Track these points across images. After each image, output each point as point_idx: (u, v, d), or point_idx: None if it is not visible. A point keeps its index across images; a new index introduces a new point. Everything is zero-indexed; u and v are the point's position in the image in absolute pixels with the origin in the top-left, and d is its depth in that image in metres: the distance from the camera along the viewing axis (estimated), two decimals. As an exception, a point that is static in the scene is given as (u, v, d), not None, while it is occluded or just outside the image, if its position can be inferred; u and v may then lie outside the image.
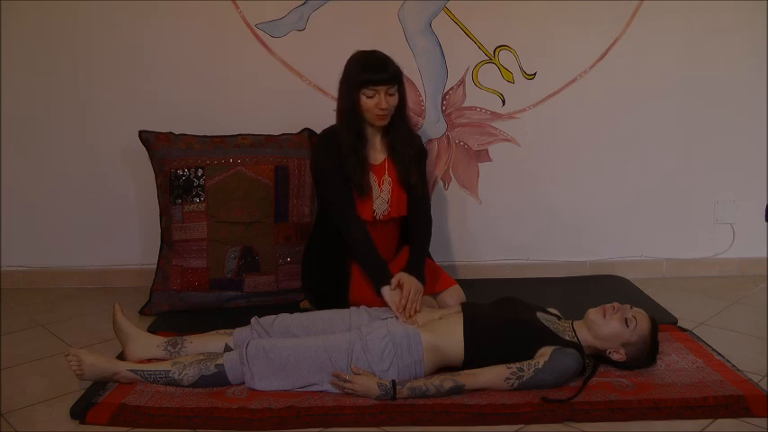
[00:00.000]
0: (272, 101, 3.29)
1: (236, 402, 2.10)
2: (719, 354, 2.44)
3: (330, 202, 2.64)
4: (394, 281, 2.46)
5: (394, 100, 2.57)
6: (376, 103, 2.53)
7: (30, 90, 3.27)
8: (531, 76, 3.33)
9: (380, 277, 2.49)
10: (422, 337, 2.21)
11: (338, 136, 2.62)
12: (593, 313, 2.29)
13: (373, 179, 2.65)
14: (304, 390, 2.18)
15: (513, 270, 3.48)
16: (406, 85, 2.73)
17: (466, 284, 2.84)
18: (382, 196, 2.66)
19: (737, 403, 2.06)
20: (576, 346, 2.24)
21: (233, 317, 2.67)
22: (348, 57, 2.62)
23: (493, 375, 2.15)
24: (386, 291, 2.45)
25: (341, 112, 2.61)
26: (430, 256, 2.81)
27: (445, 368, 2.24)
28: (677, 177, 3.43)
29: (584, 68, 3.32)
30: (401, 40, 3.23)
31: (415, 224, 2.72)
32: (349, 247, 2.60)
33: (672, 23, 3.29)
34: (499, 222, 3.45)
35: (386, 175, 2.67)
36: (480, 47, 3.29)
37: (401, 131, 2.66)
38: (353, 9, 3.22)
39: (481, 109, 3.35)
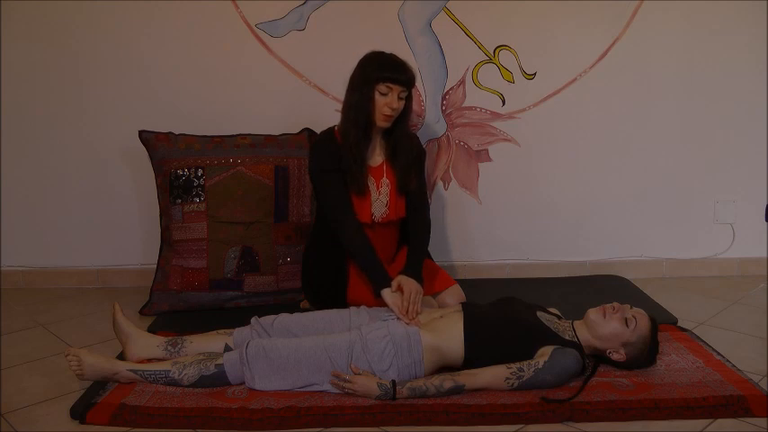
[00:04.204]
0: (272, 101, 3.29)
1: (236, 402, 2.10)
2: (719, 354, 2.44)
3: (328, 205, 2.63)
4: (394, 283, 2.46)
5: (402, 104, 2.58)
6: (387, 102, 2.53)
7: (30, 90, 3.27)
8: (531, 76, 3.33)
9: (380, 280, 2.49)
10: (422, 337, 2.21)
11: (341, 135, 2.61)
12: (593, 313, 2.29)
13: (371, 181, 2.65)
14: (304, 390, 2.18)
15: (513, 270, 3.48)
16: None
17: (466, 284, 2.84)
18: (381, 199, 2.66)
19: (737, 403, 2.07)
20: (576, 345, 2.24)
21: (233, 317, 2.67)
22: (348, 57, 2.62)
23: (493, 375, 2.15)
24: (386, 293, 2.44)
25: (349, 107, 2.59)
26: (430, 257, 2.81)
27: (445, 368, 2.24)
28: (677, 177, 3.43)
29: (584, 68, 3.32)
30: (401, 40, 3.24)
31: (414, 226, 2.72)
32: (347, 249, 2.60)
33: (672, 23, 3.29)
34: (499, 222, 3.45)
35: (384, 178, 2.67)
36: (480, 47, 3.29)
37: (402, 139, 2.66)
38: (353, 9, 3.22)
39: (481, 109, 3.35)
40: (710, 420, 2.02)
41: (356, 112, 2.57)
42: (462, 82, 3.32)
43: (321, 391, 2.17)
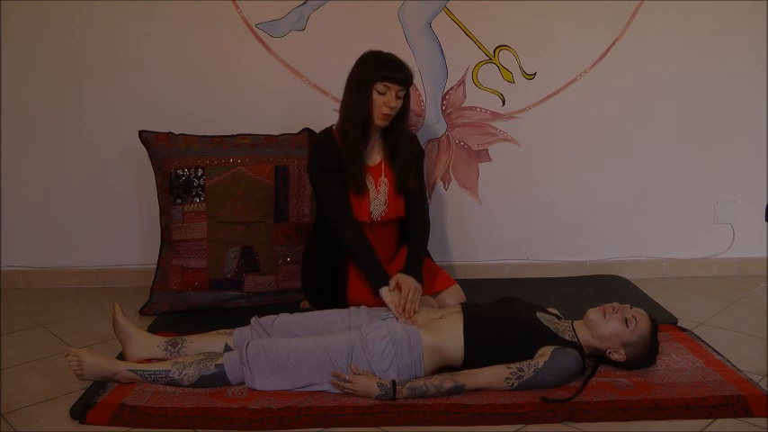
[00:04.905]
0: (272, 101, 3.29)
1: (236, 402, 2.10)
2: (719, 354, 2.44)
3: (327, 205, 2.63)
4: (392, 282, 2.46)
5: (400, 104, 2.58)
6: (385, 101, 2.53)
7: (30, 90, 3.27)
8: (531, 76, 3.33)
9: (378, 279, 2.49)
10: (422, 337, 2.21)
11: (340, 134, 2.61)
12: (593, 313, 2.29)
13: (370, 180, 2.65)
14: (304, 390, 2.18)
15: (513, 270, 3.48)
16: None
17: (466, 284, 2.84)
18: (379, 198, 2.66)
19: (737, 403, 2.07)
20: (576, 345, 2.24)
21: (233, 317, 2.67)
22: (348, 56, 2.62)
23: (493, 375, 2.15)
24: (384, 292, 2.45)
25: (347, 106, 2.59)
26: (429, 256, 2.81)
27: (445, 368, 2.24)
28: (677, 177, 3.43)
29: (584, 68, 3.32)
30: (401, 40, 3.23)
31: (413, 225, 2.72)
32: (346, 249, 2.60)
33: (672, 23, 3.29)
34: (499, 222, 3.45)
35: (383, 177, 2.67)
36: (480, 47, 3.29)
37: (401, 138, 2.66)
38: (353, 9, 3.22)
39: (481, 109, 3.35)
40: (710, 420, 2.02)
41: (354, 112, 2.57)
42: (462, 82, 3.32)
43: (321, 391, 2.17)
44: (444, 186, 3.41)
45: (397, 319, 2.33)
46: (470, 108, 3.35)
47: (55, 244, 3.40)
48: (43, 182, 3.35)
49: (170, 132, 3.04)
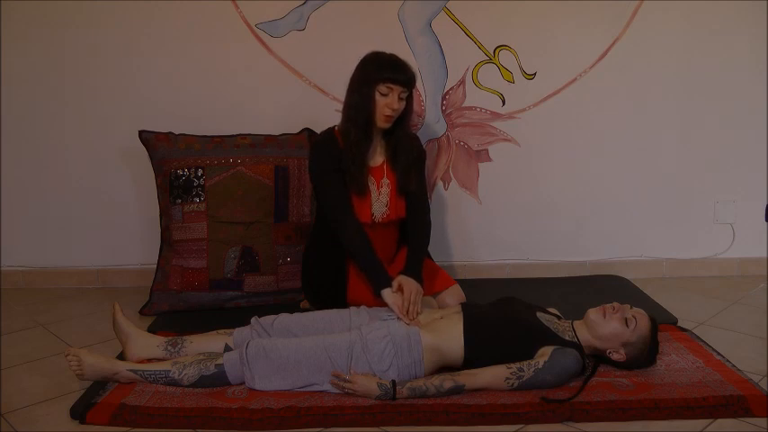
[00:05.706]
0: (272, 101, 3.29)
1: (236, 402, 2.10)
2: (719, 354, 2.44)
3: (328, 205, 2.63)
4: (394, 284, 2.45)
5: (403, 105, 2.58)
6: (387, 102, 2.53)
7: (30, 90, 3.27)
8: (531, 76, 3.33)
9: (380, 280, 2.48)
10: (422, 338, 2.21)
11: (342, 135, 2.61)
12: (593, 313, 2.29)
13: (371, 181, 2.65)
14: (304, 390, 2.18)
15: (513, 270, 3.48)
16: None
17: (466, 284, 2.84)
18: (381, 199, 2.66)
19: (737, 403, 2.07)
20: (576, 346, 2.24)
21: (233, 317, 2.67)
22: (348, 56, 2.62)
23: (493, 375, 2.15)
24: (387, 293, 2.44)
25: (349, 107, 2.59)
26: (429, 257, 2.81)
27: (445, 368, 2.24)
28: (677, 177, 3.43)
29: (584, 68, 3.32)
30: (401, 40, 3.23)
31: (413, 226, 2.71)
32: (347, 249, 2.60)
33: (672, 23, 3.29)
34: (499, 222, 3.45)
35: (384, 178, 2.66)
36: (480, 47, 3.29)
37: (403, 139, 2.66)
38: (353, 9, 3.22)
39: (481, 109, 3.35)
40: (710, 420, 2.03)
41: (356, 113, 2.57)
42: (462, 82, 3.32)
43: (321, 391, 2.17)
44: (444, 186, 3.41)
45: (399, 320, 2.32)
46: (470, 108, 3.35)
47: (55, 244, 3.40)
48: (43, 182, 3.35)
49: (170, 132, 3.04)
